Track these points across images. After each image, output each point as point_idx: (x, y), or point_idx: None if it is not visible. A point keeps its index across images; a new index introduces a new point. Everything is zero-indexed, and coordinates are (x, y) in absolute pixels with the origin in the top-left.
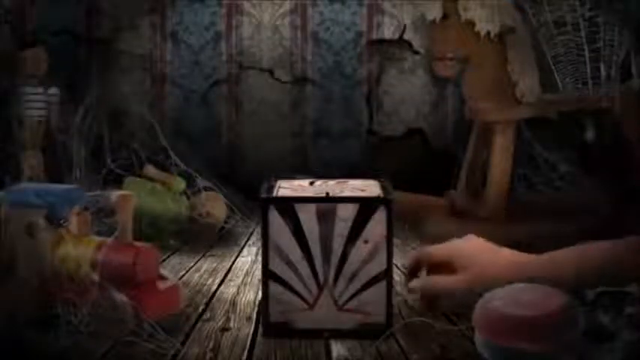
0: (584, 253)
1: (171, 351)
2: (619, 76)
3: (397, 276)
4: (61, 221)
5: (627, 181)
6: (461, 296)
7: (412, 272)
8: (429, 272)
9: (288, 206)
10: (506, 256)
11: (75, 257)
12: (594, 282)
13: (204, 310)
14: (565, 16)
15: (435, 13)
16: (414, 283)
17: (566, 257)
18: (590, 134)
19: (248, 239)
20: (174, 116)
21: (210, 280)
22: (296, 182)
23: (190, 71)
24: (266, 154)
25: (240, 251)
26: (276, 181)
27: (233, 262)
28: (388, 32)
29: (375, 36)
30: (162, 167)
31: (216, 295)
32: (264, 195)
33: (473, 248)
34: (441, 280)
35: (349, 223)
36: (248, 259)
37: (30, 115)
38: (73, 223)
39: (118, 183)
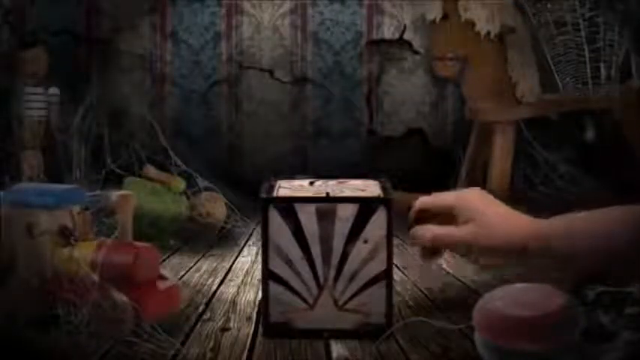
0: (595, 219)
1: (171, 351)
2: (619, 76)
3: (397, 276)
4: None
5: (627, 180)
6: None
7: (415, 220)
8: (429, 221)
9: (288, 206)
10: (512, 216)
11: (75, 257)
12: (599, 246)
13: (204, 310)
14: (565, 16)
15: (435, 13)
16: (417, 232)
17: (575, 223)
18: (590, 134)
19: (248, 239)
20: (174, 116)
21: (210, 280)
22: (296, 182)
23: (190, 71)
24: (266, 154)
25: (240, 251)
26: (276, 181)
27: (233, 262)
28: (388, 32)
29: (375, 36)
30: (162, 167)
31: (216, 295)
32: (264, 195)
33: (477, 200)
34: (442, 231)
35: (349, 223)
36: (248, 259)
37: (30, 115)
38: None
39: (118, 183)
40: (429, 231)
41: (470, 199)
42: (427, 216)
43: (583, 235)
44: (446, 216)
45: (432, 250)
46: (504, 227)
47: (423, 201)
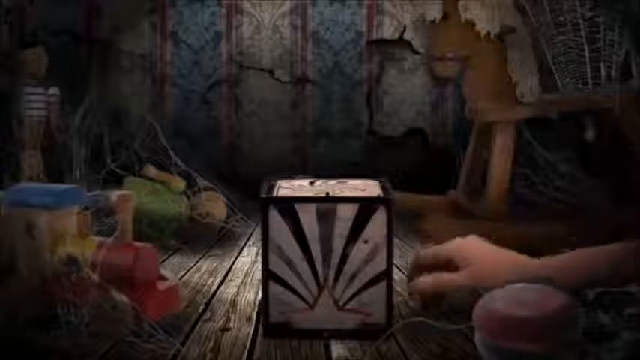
0: (582, 258)
1: (171, 351)
2: (619, 76)
3: (397, 276)
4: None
5: (627, 180)
6: (461, 295)
7: (412, 273)
8: (430, 272)
9: (288, 206)
10: (508, 256)
11: (75, 256)
12: (591, 286)
13: (204, 310)
14: (565, 16)
15: (435, 13)
16: (415, 282)
17: (564, 262)
18: (590, 134)
19: (248, 239)
20: (174, 116)
21: (210, 280)
22: (296, 182)
23: (190, 71)
24: (266, 154)
25: (240, 251)
26: (276, 181)
27: (233, 262)
28: (388, 32)
29: (375, 36)
30: (162, 167)
31: (216, 295)
32: (264, 195)
33: (474, 247)
34: (443, 278)
35: (349, 223)
36: (248, 259)
37: (30, 115)
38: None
39: (118, 183)
40: (429, 279)
41: (468, 246)
42: (428, 267)
43: (577, 273)
44: (444, 267)
45: (431, 299)
46: (502, 270)
47: (423, 253)
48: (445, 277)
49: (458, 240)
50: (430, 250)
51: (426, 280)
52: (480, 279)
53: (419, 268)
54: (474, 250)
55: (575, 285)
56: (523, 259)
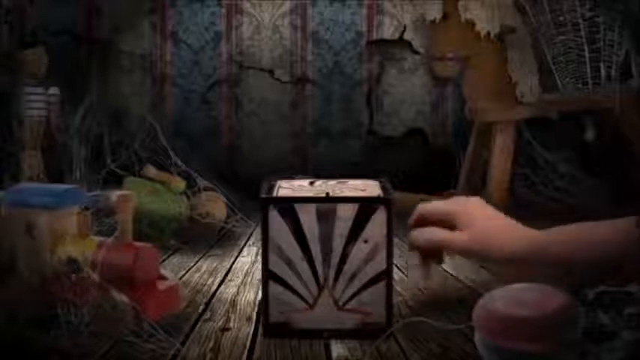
0: (586, 230)
1: (171, 351)
2: (619, 76)
3: (397, 276)
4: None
5: (627, 180)
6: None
7: (413, 226)
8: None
9: (288, 206)
10: (512, 225)
11: (75, 257)
12: (589, 260)
13: (204, 310)
14: (565, 16)
15: (435, 13)
16: (415, 233)
17: (569, 234)
18: (590, 134)
19: (248, 239)
20: (174, 116)
21: (210, 280)
22: (296, 182)
23: (190, 71)
24: (266, 154)
25: (240, 251)
26: (276, 181)
27: (233, 262)
28: (388, 32)
29: (375, 36)
30: (162, 167)
31: (216, 295)
32: (264, 195)
33: (476, 209)
34: (441, 235)
35: (349, 223)
36: (248, 259)
37: (30, 115)
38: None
39: (118, 183)
40: (426, 233)
41: (469, 207)
42: (426, 222)
43: (577, 247)
44: (445, 223)
45: (431, 255)
46: (500, 237)
47: (423, 207)
48: (443, 234)
49: (460, 199)
50: (430, 205)
51: (422, 234)
52: (479, 244)
53: (418, 222)
54: (476, 213)
55: (580, 257)
56: (528, 230)
